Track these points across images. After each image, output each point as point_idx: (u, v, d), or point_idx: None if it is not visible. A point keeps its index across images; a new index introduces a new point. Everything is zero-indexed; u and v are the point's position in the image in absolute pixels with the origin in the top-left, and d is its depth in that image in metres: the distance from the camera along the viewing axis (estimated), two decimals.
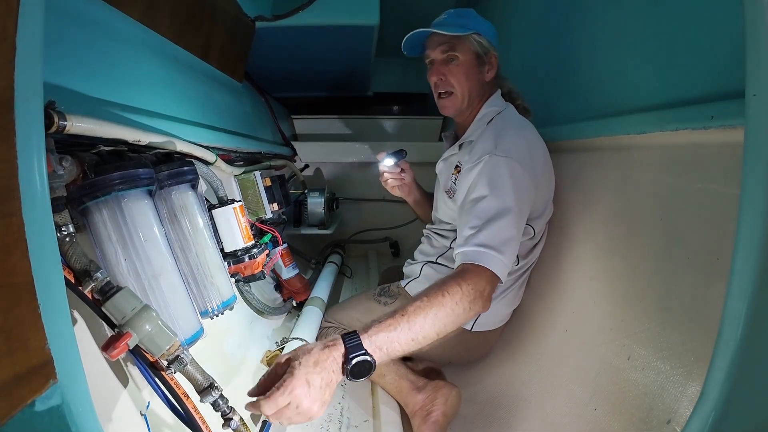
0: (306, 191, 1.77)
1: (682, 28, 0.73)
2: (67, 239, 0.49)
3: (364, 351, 0.62)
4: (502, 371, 1.05)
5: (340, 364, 0.61)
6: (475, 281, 0.75)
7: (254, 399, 0.59)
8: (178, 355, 0.56)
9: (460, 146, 1.04)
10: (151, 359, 0.57)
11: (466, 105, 1.02)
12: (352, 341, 0.63)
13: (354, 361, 0.60)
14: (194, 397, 0.59)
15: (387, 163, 1.20)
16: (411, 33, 1.00)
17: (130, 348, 0.51)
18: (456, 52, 0.98)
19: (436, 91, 1.04)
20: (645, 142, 0.78)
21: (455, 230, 0.97)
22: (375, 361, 0.62)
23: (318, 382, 0.58)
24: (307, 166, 2.07)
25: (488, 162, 0.86)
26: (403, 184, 1.25)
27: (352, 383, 1.10)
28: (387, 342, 0.65)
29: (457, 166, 1.01)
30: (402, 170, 1.23)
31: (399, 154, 1.19)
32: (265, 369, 1.00)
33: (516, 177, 0.84)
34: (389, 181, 1.23)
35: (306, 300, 1.30)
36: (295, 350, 0.62)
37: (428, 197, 1.33)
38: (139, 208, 0.60)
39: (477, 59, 0.99)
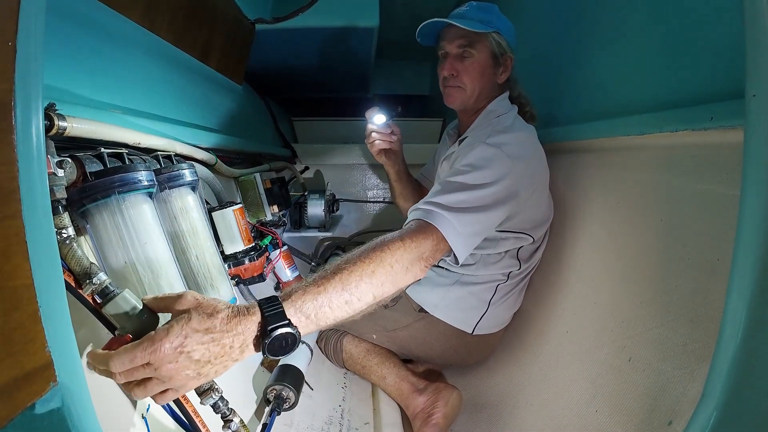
0: (306, 193, 1.77)
1: (682, 29, 0.73)
2: (67, 242, 0.49)
3: (286, 321, 0.50)
4: (503, 373, 1.05)
5: (253, 338, 0.49)
6: (419, 240, 0.68)
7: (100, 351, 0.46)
8: None
9: (460, 143, 1.01)
10: None
11: (473, 103, 1.00)
12: (271, 308, 0.51)
13: (274, 335, 0.49)
14: (194, 399, 0.59)
15: (377, 120, 1.08)
16: (428, 21, 0.96)
17: None
18: (473, 49, 0.94)
19: (445, 84, 1.01)
20: (645, 142, 0.78)
21: None
22: (300, 334, 0.51)
23: (198, 355, 0.46)
24: (307, 168, 2.07)
25: (476, 147, 0.84)
26: (391, 149, 1.15)
27: (352, 385, 1.10)
28: (316, 308, 0.54)
29: None
30: (392, 132, 1.13)
31: (391, 111, 1.08)
32: (265, 372, 1.00)
33: (499, 166, 0.81)
34: (377, 142, 1.12)
35: None
36: (199, 302, 0.49)
37: (411, 178, 1.29)
38: (139, 211, 0.60)
39: (493, 59, 0.96)
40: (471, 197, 0.76)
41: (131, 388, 0.46)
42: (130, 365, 0.44)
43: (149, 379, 0.46)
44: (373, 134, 1.12)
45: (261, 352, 0.50)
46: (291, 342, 0.50)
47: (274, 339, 0.49)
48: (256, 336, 0.50)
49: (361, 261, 0.60)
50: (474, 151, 0.83)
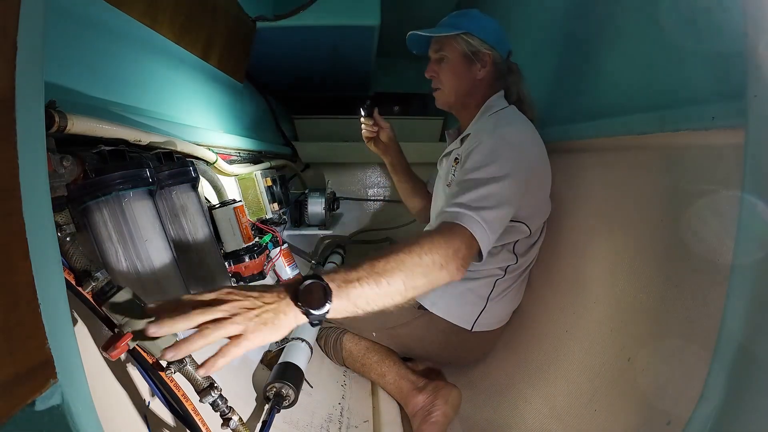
0: (306, 191, 1.77)
1: (684, 28, 0.73)
2: (67, 239, 0.49)
3: (319, 277, 0.56)
4: (503, 372, 1.05)
5: (290, 294, 0.55)
6: (450, 240, 0.70)
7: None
8: None
9: (462, 141, 1.04)
10: (150, 360, 0.57)
11: (454, 100, 1.05)
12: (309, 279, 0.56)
13: (306, 282, 0.55)
14: (193, 397, 0.59)
15: (362, 113, 1.21)
16: (409, 33, 1.06)
17: (130, 348, 0.51)
18: (444, 51, 1.02)
19: (431, 86, 1.09)
20: (645, 142, 0.78)
21: None
22: (331, 290, 0.56)
23: (252, 290, 0.54)
24: (307, 166, 2.08)
25: (482, 142, 0.87)
26: (378, 140, 1.24)
27: (352, 383, 1.10)
28: (346, 281, 0.59)
29: (456, 159, 1.01)
30: (374, 123, 1.22)
31: (369, 107, 1.20)
32: (264, 370, 1.00)
33: (508, 155, 0.83)
34: (362, 131, 1.24)
35: None
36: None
37: (410, 174, 1.34)
38: (139, 208, 0.60)
39: (465, 58, 1.01)
40: (490, 192, 0.78)
41: (203, 328, 0.49)
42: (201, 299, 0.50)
43: (220, 321, 0.49)
44: (362, 124, 1.22)
45: (297, 302, 0.54)
46: (323, 294, 0.55)
47: (305, 287, 0.54)
48: (294, 291, 0.55)
49: (399, 259, 0.64)
50: (480, 146, 0.86)
